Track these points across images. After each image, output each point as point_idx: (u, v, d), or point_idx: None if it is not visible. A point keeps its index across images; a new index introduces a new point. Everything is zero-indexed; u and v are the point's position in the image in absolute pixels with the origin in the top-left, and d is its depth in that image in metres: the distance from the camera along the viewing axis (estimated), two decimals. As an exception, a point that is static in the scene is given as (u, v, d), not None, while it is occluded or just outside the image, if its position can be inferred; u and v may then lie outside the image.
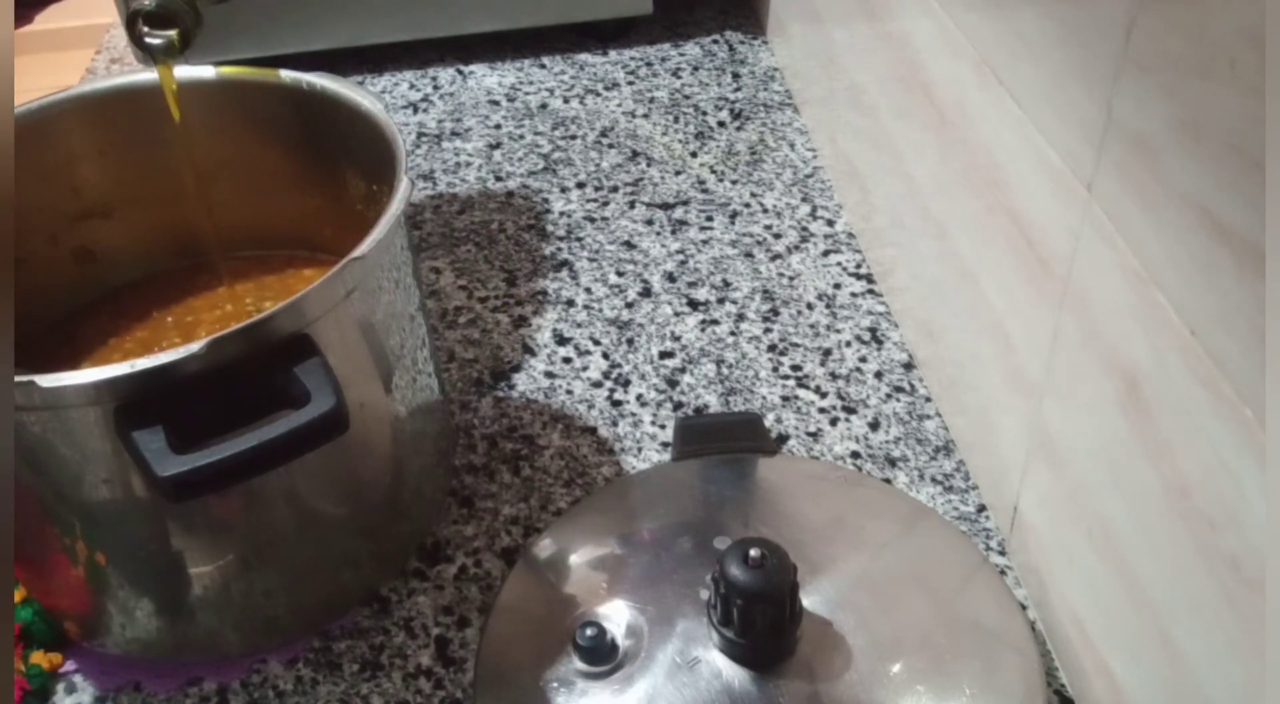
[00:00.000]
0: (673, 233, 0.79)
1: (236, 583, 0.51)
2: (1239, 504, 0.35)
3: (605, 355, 0.69)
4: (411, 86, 0.98)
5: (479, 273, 0.77)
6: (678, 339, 0.70)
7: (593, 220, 0.81)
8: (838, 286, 0.74)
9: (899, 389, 0.66)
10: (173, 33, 0.54)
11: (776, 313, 0.72)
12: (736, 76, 0.97)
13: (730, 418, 0.64)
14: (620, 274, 0.76)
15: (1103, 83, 0.40)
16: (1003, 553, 0.56)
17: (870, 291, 0.73)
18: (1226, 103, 0.33)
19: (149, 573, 0.50)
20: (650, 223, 0.80)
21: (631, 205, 0.82)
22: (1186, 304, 0.37)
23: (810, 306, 0.72)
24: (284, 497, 0.49)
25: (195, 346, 0.41)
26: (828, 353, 0.69)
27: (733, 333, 0.70)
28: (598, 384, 0.67)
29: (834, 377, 0.67)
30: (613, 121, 0.92)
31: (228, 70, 0.59)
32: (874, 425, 0.64)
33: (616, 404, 0.66)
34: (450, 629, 0.55)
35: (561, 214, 0.82)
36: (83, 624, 0.53)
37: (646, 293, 0.74)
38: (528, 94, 0.96)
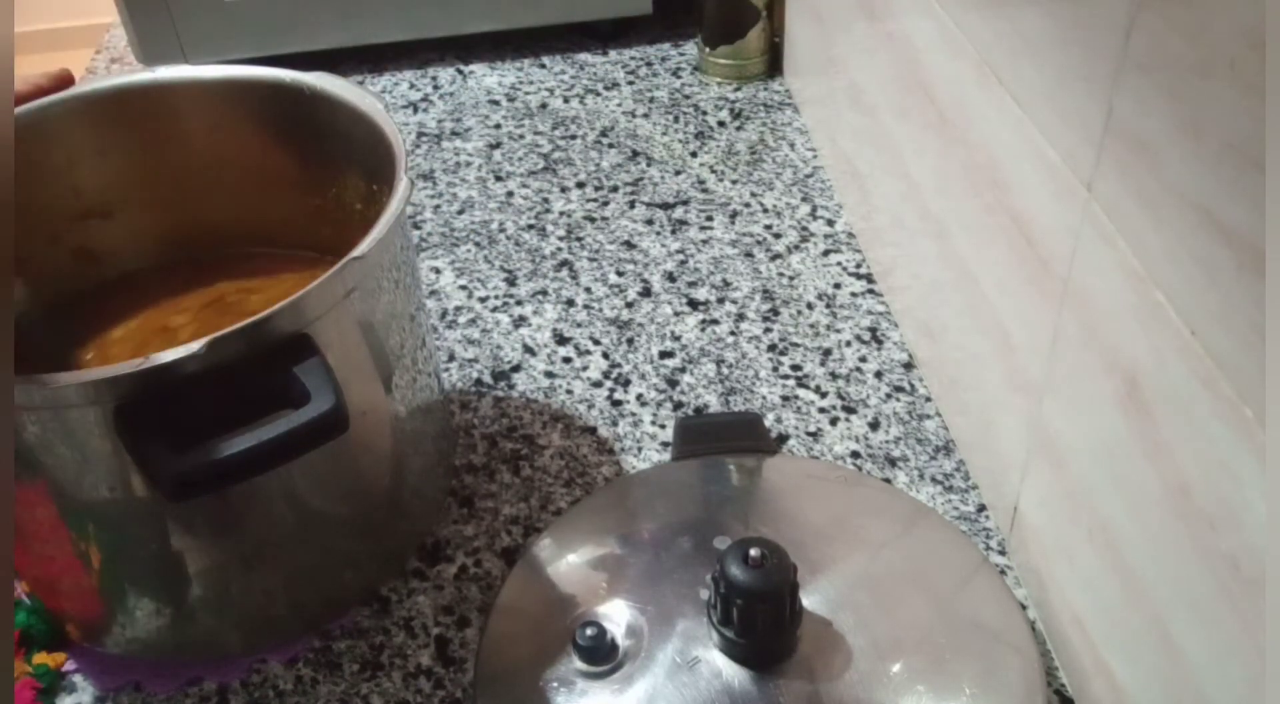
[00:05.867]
0: (673, 233, 0.79)
1: (236, 583, 0.51)
2: (1239, 504, 0.35)
3: (605, 355, 0.69)
4: (411, 86, 0.98)
5: (479, 273, 0.77)
6: (678, 339, 0.70)
7: (593, 220, 0.81)
8: (838, 286, 0.74)
9: (899, 389, 0.66)
10: None
11: (776, 313, 0.72)
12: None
13: (730, 418, 0.64)
14: (620, 274, 0.76)
15: (1103, 83, 0.40)
16: (1003, 553, 0.56)
17: (870, 291, 0.73)
18: (1226, 103, 0.33)
19: (149, 573, 0.50)
20: (650, 223, 0.80)
21: (631, 205, 0.82)
22: (1186, 304, 0.37)
23: (810, 306, 0.72)
24: (284, 497, 0.49)
25: (195, 346, 0.41)
26: (828, 353, 0.69)
27: (733, 333, 0.70)
28: (598, 384, 0.67)
29: (834, 376, 0.67)
30: (613, 121, 0.92)
31: (227, 70, 0.59)
32: (874, 425, 0.64)
33: (616, 404, 0.66)
34: (450, 629, 0.55)
35: (561, 214, 0.82)
36: (83, 624, 0.53)
37: (646, 293, 0.74)
38: (528, 94, 0.96)
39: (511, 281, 0.76)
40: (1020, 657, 0.46)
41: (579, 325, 0.72)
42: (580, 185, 0.85)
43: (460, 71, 1.00)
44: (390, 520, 0.56)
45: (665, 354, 0.69)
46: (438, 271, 0.77)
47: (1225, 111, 0.33)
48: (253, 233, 0.63)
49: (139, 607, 0.51)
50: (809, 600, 0.47)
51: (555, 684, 0.46)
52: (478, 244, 0.79)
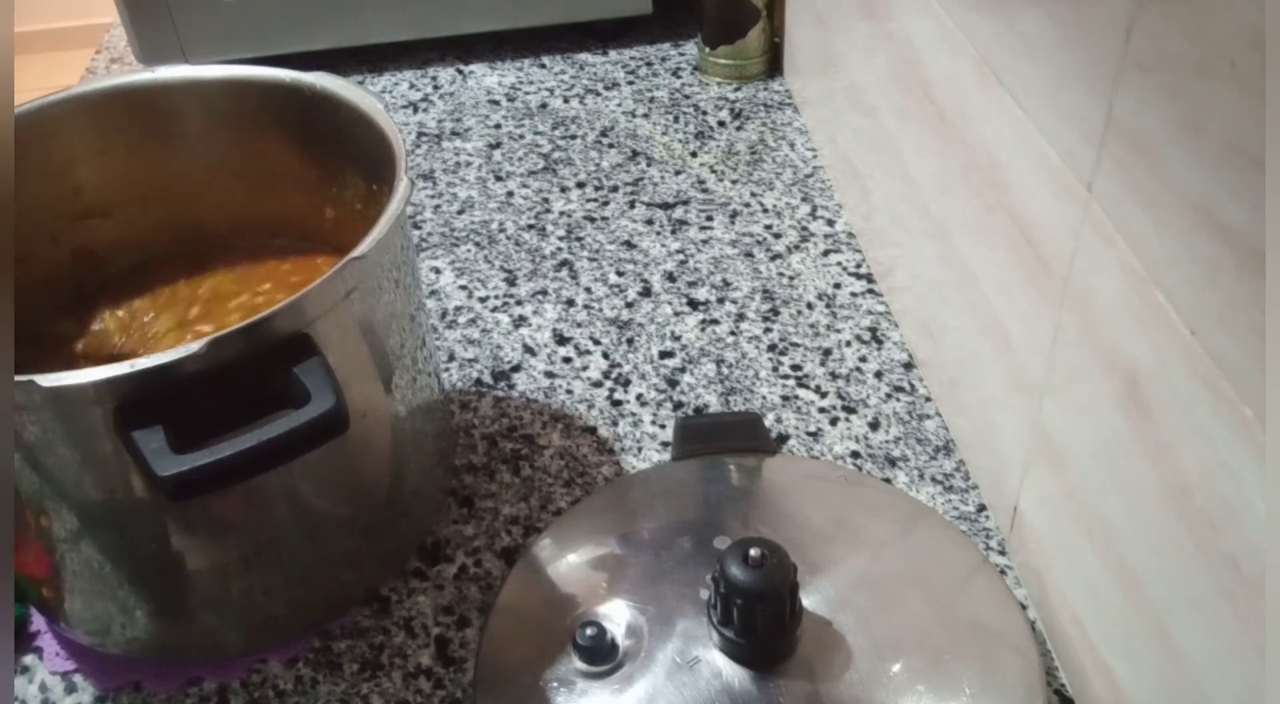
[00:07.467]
0: (673, 233, 0.79)
1: (236, 583, 0.51)
2: (1239, 504, 0.35)
3: (605, 355, 0.69)
4: (411, 86, 0.98)
5: (479, 273, 0.77)
6: (678, 339, 0.70)
7: (593, 220, 0.81)
8: (838, 286, 0.74)
9: (899, 389, 0.66)
10: None
11: (776, 313, 0.72)
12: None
13: (730, 418, 0.64)
14: (620, 274, 0.76)
15: (1103, 83, 0.40)
16: (1003, 553, 0.56)
17: (870, 291, 0.73)
18: (1226, 103, 0.33)
19: (149, 573, 0.50)
20: (650, 222, 0.80)
21: (631, 205, 0.82)
22: (1186, 304, 0.37)
23: (810, 306, 0.72)
24: (284, 497, 0.49)
25: (195, 346, 0.41)
26: (828, 353, 0.69)
27: (733, 333, 0.70)
28: (598, 384, 0.67)
29: (834, 376, 0.67)
30: (613, 121, 0.92)
31: (227, 70, 0.59)
32: (874, 425, 0.64)
33: (616, 404, 0.66)
34: (450, 629, 0.55)
35: (561, 214, 0.82)
36: (83, 623, 0.53)
37: (646, 293, 0.74)
38: (528, 94, 0.96)
39: (511, 281, 0.76)
40: (1020, 657, 0.46)
41: (579, 325, 0.72)
42: (580, 185, 0.85)
43: (460, 71, 1.00)
44: (390, 520, 0.56)
45: (665, 354, 0.69)
46: (438, 271, 0.77)
47: (1225, 111, 0.33)
48: (252, 233, 0.63)
49: (139, 607, 0.51)
50: (809, 600, 0.47)
51: (555, 684, 0.46)
52: (478, 244, 0.79)
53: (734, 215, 0.81)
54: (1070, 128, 0.44)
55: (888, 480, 0.60)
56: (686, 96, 0.95)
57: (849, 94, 0.76)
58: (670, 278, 0.75)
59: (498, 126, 0.92)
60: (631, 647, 0.47)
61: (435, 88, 0.98)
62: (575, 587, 0.50)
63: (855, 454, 0.62)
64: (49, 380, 0.41)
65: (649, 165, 0.86)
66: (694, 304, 0.73)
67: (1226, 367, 0.35)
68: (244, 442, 0.41)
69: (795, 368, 0.68)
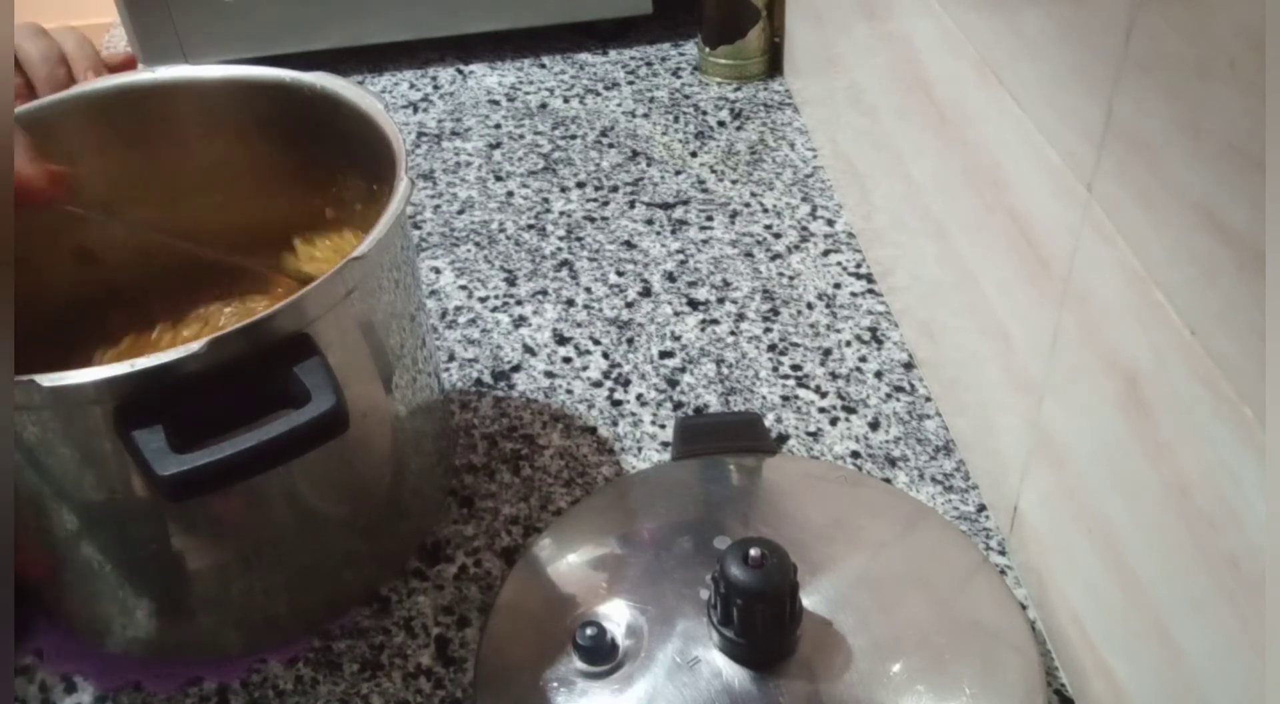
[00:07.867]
0: (673, 233, 0.79)
1: (236, 583, 0.51)
2: (1239, 504, 0.35)
3: (605, 355, 0.69)
4: (411, 86, 0.98)
5: (479, 273, 0.77)
6: (678, 339, 0.70)
7: (593, 220, 0.81)
8: (838, 286, 0.74)
9: (899, 389, 0.66)
10: None
11: (776, 313, 0.72)
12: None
13: (730, 418, 0.64)
14: (620, 274, 0.76)
15: (1103, 83, 0.40)
16: (1003, 553, 0.56)
17: (870, 291, 0.73)
18: (1226, 103, 0.33)
19: (149, 573, 0.50)
20: (650, 222, 0.80)
21: (631, 205, 0.82)
22: (1186, 304, 0.37)
23: (810, 306, 0.72)
24: (284, 496, 0.49)
25: (195, 346, 0.41)
26: (828, 353, 0.69)
27: (733, 333, 0.70)
28: (598, 384, 0.67)
29: (834, 376, 0.67)
30: (613, 121, 0.92)
31: (227, 70, 0.59)
32: (874, 425, 0.64)
33: (616, 404, 0.66)
34: (450, 629, 0.55)
35: (561, 214, 0.82)
36: (83, 623, 0.53)
37: (646, 292, 0.74)
38: (528, 94, 0.96)
39: (511, 281, 0.76)
40: (1020, 657, 0.46)
41: (579, 325, 0.72)
42: (580, 185, 0.85)
43: (460, 71, 1.00)
44: (390, 520, 0.56)
45: (665, 354, 0.69)
46: (438, 271, 0.77)
47: (1225, 111, 0.33)
48: (252, 233, 0.63)
49: (139, 607, 0.51)
50: (809, 600, 0.47)
51: (555, 684, 0.46)
52: (478, 244, 0.79)
53: (734, 215, 0.81)
54: (1070, 128, 0.44)
55: (888, 480, 0.60)
56: (686, 96, 0.95)
57: (849, 94, 0.76)
58: (670, 278, 0.75)
59: (498, 126, 0.92)
60: (631, 647, 0.47)
61: (435, 88, 0.98)
62: (575, 587, 0.50)
63: (855, 454, 0.62)
64: (49, 380, 0.41)
65: (649, 165, 0.86)
66: (694, 304, 0.73)
67: (1226, 367, 0.35)
68: (244, 441, 0.41)
69: (795, 368, 0.68)
